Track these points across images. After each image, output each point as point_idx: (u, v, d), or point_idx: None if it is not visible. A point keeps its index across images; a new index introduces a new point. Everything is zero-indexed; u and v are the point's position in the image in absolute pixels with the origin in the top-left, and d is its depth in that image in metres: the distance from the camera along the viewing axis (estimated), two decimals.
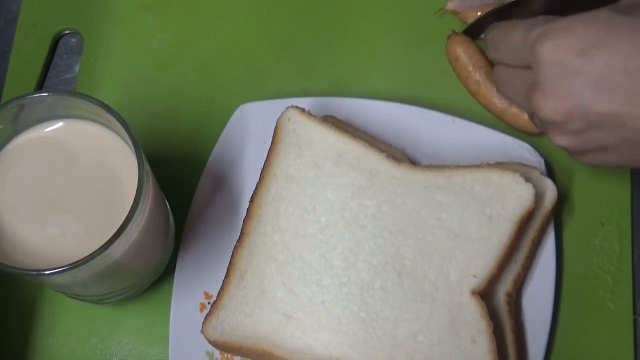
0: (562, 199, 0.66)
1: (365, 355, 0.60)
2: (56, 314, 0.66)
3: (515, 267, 0.62)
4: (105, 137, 0.57)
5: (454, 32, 0.69)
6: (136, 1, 0.75)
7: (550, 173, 0.67)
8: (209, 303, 0.65)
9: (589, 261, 0.66)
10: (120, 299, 0.65)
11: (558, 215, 0.66)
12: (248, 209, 0.64)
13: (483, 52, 0.68)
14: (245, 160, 0.68)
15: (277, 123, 0.65)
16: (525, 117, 0.66)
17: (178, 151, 0.70)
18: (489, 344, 0.59)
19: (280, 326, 0.61)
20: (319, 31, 0.73)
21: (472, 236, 0.61)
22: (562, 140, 0.57)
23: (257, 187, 0.65)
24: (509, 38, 0.59)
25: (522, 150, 0.66)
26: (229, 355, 0.64)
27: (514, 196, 0.61)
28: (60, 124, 0.58)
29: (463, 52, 0.68)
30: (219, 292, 0.63)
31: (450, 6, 0.72)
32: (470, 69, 0.68)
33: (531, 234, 0.63)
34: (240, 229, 0.64)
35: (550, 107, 0.55)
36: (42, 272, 0.51)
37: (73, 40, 0.75)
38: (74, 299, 0.65)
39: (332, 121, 0.65)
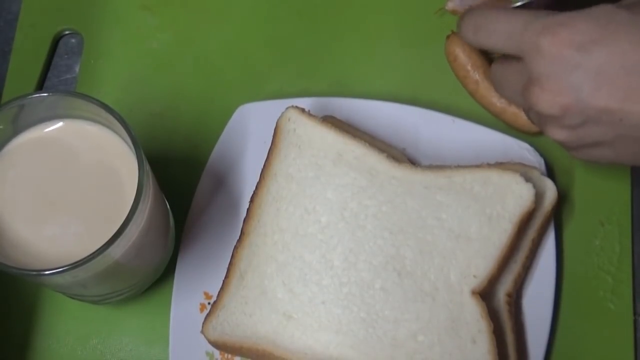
0: (562, 199, 0.66)
1: (365, 355, 0.60)
2: (56, 314, 0.66)
3: (515, 267, 0.62)
4: (105, 137, 0.57)
5: (452, 32, 0.70)
6: (136, 1, 0.74)
7: (550, 173, 0.67)
8: (209, 303, 0.65)
9: (589, 261, 0.66)
10: (120, 299, 0.65)
11: (558, 215, 0.66)
12: (248, 209, 0.64)
13: (481, 52, 0.68)
14: (245, 160, 0.68)
15: (277, 123, 0.65)
16: (524, 116, 0.66)
17: (178, 151, 0.70)
18: (489, 343, 0.59)
19: (280, 326, 0.61)
20: (319, 31, 0.73)
21: (472, 236, 0.61)
22: (558, 134, 0.57)
23: (257, 187, 0.65)
24: (499, 23, 0.58)
25: (521, 150, 0.66)
26: (229, 355, 0.64)
27: (513, 196, 0.61)
28: (60, 124, 0.58)
29: (461, 52, 0.68)
30: (219, 292, 0.63)
31: (450, 6, 0.72)
32: (469, 68, 0.68)
33: (531, 233, 0.63)
34: (240, 229, 0.64)
35: (547, 100, 0.55)
36: (42, 272, 0.51)
37: (73, 40, 0.75)
38: (74, 299, 0.65)
39: (331, 121, 0.65)
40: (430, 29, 0.72)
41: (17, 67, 0.72)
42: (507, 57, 0.60)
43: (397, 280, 0.61)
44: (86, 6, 0.74)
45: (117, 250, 0.54)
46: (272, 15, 0.74)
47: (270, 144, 0.65)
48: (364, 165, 0.63)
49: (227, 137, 0.68)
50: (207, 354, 0.64)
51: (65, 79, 0.74)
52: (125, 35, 0.74)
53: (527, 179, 0.61)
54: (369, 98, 0.69)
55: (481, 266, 0.60)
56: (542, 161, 0.66)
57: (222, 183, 0.67)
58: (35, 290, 0.67)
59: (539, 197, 0.62)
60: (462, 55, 0.68)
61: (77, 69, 0.73)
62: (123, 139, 0.57)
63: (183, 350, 0.64)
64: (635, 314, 0.66)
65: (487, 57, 0.69)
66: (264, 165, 0.65)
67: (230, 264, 0.63)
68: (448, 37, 0.69)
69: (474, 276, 0.60)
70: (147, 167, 0.54)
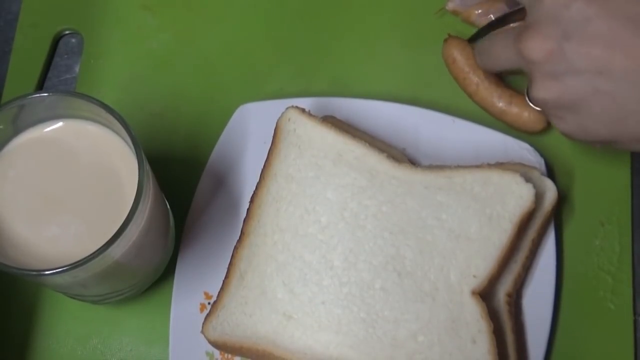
0: (562, 199, 0.66)
1: (365, 355, 0.60)
2: (56, 314, 0.66)
3: (515, 267, 0.62)
4: (105, 136, 0.57)
5: (449, 35, 0.70)
6: (136, 1, 0.74)
7: (550, 173, 0.67)
8: (209, 303, 0.65)
9: (589, 261, 0.66)
10: (120, 299, 0.65)
11: (558, 215, 0.66)
12: (248, 209, 0.64)
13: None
14: (245, 160, 0.68)
15: (277, 123, 0.65)
16: (526, 114, 0.66)
17: (178, 151, 0.70)
18: (488, 344, 0.59)
19: (280, 326, 0.61)
20: (319, 31, 0.73)
21: (472, 236, 0.61)
22: (542, 89, 0.58)
23: (257, 187, 0.65)
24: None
25: (522, 150, 0.66)
26: (229, 355, 0.64)
27: (514, 196, 0.61)
28: (60, 124, 0.58)
29: (459, 54, 0.68)
30: (219, 292, 0.63)
31: (450, 6, 0.72)
32: (467, 70, 0.68)
33: (531, 233, 0.63)
34: (240, 229, 0.64)
35: (535, 44, 0.57)
36: (42, 272, 0.51)
37: (73, 40, 0.75)
38: (74, 299, 0.65)
39: (331, 121, 0.65)
40: (431, 29, 0.72)
41: (17, 67, 0.73)
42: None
43: (397, 281, 0.61)
44: (86, 6, 0.74)
45: (117, 250, 0.54)
46: (272, 15, 0.74)
47: (270, 144, 0.65)
48: (364, 166, 0.63)
49: (227, 137, 0.68)
50: (207, 353, 0.64)
51: (65, 79, 0.74)
52: (125, 35, 0.74)
53: (527, 179, 0.61)
54: (369, 98, 0.69)
55: (481, 266, 0.60)
56: (542, 161, 0.66)
57: (222, 183, 0.67)
58: (36, 290, 0.67)
59: (539, 197, 0.62)
60: (460, 58, 0.68)
61: (77, 69, 0.73)
62: (123, 139, 0.57)
63: (183, 350, 0.64)
64: (635, 314, 0.66)
65: None
66: (264, 166, 0.65)
67: (230, 264, 0.63)
68: (445, 40, 0.69)
69: (474, 276, 0.60)
70: (147, 167, 0.54)
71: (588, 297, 0.66)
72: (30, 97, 0.55)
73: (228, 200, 0.67)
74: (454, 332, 0.60)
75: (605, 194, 0.68)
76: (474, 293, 0.60)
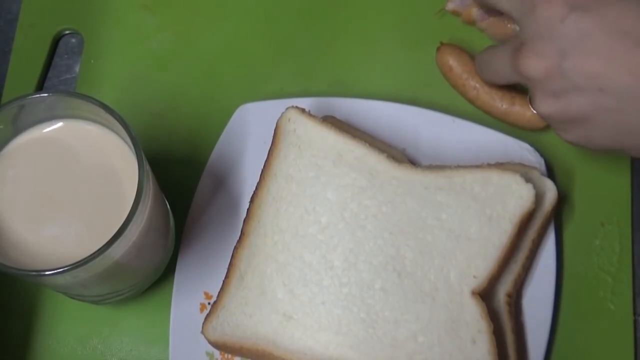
0: (562, 199, 0.66)
1: (365, 355, 0.60)
2: (56, 314, 0.66)
3: (515, 267, 0.62)
4: (105, 137, 0.57)
5: (441, 43, 0.69)
6: (136, 1, 0.74)
7: (551, 173, 0.67)
8: (209, 303, 0.65)
9: (589, 261, 0.66)
10: (120, 299, 0.65)
11: (558, 216, 0.66)
12: (248, 209, 0.64)
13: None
14: (245, 160, 0.67)
15: (277, 123, 0.65)
16: (529, 113, 0.66)
17: (178, 151, 0.70)
18: (488, 344, 0.59)
19: (280, 326, 0.61)
20: (319, 31, 0.73)
21: (472, 236, 0.61)
22: (544, 104, 0.58)
23: (257, 187, 0.65)
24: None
25: (522, 151, 0.66)
26: (229, 356, 0.64)
27: (514, 196, 0.61)
28: (60, 124, 0.58)
29: (455, 62, 0.68)
30: (219, 292, 0.63)
31: (450, 6, 0.72)
32: (465, 76, 0.68)
33: (531, 234, 0.63)
34: (240, 229, 0.64)
35: (533, 62, 0.56)
36: (42, 273, 0.51)
37: (73, 40, 0.75)
38: (74, 299, 0.65)
39: (332, 121, 0.65)
40: (431, 29, 0.72)
41: (17, 67, 0.72)
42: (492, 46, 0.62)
43: (397, 281, 0.61)
44: (86, 6, 0.74)
45: (118, 251, 0.54)
46: (272, 15, 0.74)
47: (270, 144, 0.65)
48: (364, 166, 0.63)
49: (227, 137, 0.68)
50: (207, 354, 0.64)
51: (65, 78, 0.73)
52: (125, 35, 0.74)
53: (528, 180, 0.61)
54: (369, 98, 0.69)
55: (481, 266, 0.60)
56: (542, 161, 0.66)
57: (222, 183, 0.67)
58: (36, 290, 0.67)
59: (539, 197, 0.62)
60: (457, 65, 0.68)
61: (77, 69, 0.73)
62: (123, 139, 0.57)
63: (183, 350, 0.64)
64: (635, 314, 0.66)
65: None
66: (264, 166, 0.65)
67: (230, 264, 0.63)
68: (438, 49, 0.69)
69: (474, 276, 0.60)
70: (147, 167, 0.54)
71: (588, 297, 0.66)
72: (30, 97, 0.55)
73: (228, 200, 0.67)
74: (454, 333, 0.60)
75: (605, 194, 0.68)
76: (474, 293, 0.60)
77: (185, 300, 0.65)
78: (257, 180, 0.65)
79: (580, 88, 0.55)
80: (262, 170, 0.65)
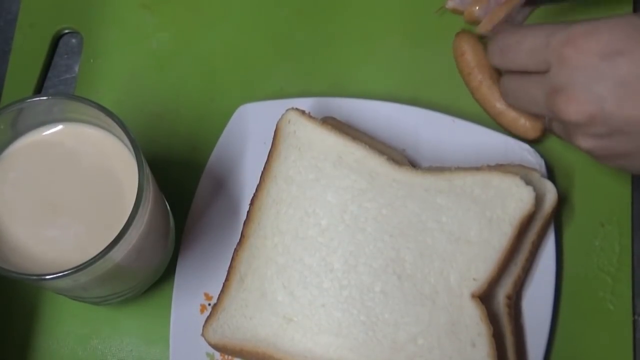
0: (562, 200, 0.66)
1: (365, 358, 0.60)
2: (56, 315, 0.66)
3: (515, 269, 0.62)
4: (105, 139, 0.57)
5: (462, 30, 0.70)
6: (135, 0, 0.74)
7: (551, 174, 0.67)
8: (209, 304, 0.65)
9: (589, 262, 0.66)
10: (120, 300, 0.65)
11: (558, 217, 0.66)
12: (248, 211, 0.64)
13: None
14: (245, 161, 0.67)
15: (277, 125, 0.65)
16: (522, 121, 0.66)
17: (178, 152, 0.70)
18: (488, 347, 0.59)
19: (280, 329, 0.61)
20: (319, 31, 0.73)
21: (472, 239, 0.61)
22: (585, 142, 0.58)
23: (257, 189, 0.64)
24: (523, 42, 0.59)
25: (522, 152, 0.66)
26: (229, 357, 0.64)
27: (514, 199, 0.61)
28: (59, 127, 0.58)
29: (470, 49, 0.68)
30: (219, 294, 0.63)
31: (450, 5, 0.72)
32: (473, 65, 0.68)
33: (531, 235, 0.63)
34: (240, 231, 0.64)
35: (572, 110, 0.55)
36: (43, 277, 0.51)
37: (73, 40, 0.74)
38: (74, 300, 0.65)
39: (331, 122, 0.65)
40: (431, 28, 0.72)
41: (16, 67, 0.72)
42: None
43: (397, 283, 0.61)
44: (85, 5, 0.74)
45: (118, 254, 0.54)
46: (272, 15, 0.74)
47: (270, 145, 0.65)
48: (364, 168, 0.63)
49: (227, 137, 0.68)
50: (208, 354, 0.64)
51: (65, 78, 0.73)
52: (125, 35, 0.73)
53: (528, 182, 0.61)
54: (369, 98, 0.69)
55: (481, 269, 0.60)
56: (542, 162, 0.66)
57: (222, 185, 0.67)
58: (36, 291, 0.67)
59: (539, 199, 0.62)
60: (470, 52, 0.68)
61: (76, 68, 0.73)
62: (123, 142, 0.57)
63: (183, 351, 0.64)
64: (634, 314, 0.66)
65: None
66: (264, 168, 0.65)
67: (231, 266, 0.63)
68: (457, 33, 0.69)
69: (474, 279, 0.60)
70: (147, 170, 0.54)
71: (588, 297, 0.66)
72: (29, 100, 0.55)
73: (228, 201, 0.67)
74: (454, 335, 0.60)
75: (605, 195, 0.68)
76: (473, 296, 0.60)
77: (186, 301, 0.65)
78: (257, 181, 0.65)
79: (622, 131, 0.55)
80: (262, 172, 0.65)
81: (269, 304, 0.62)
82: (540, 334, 0.63)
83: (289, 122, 0.64)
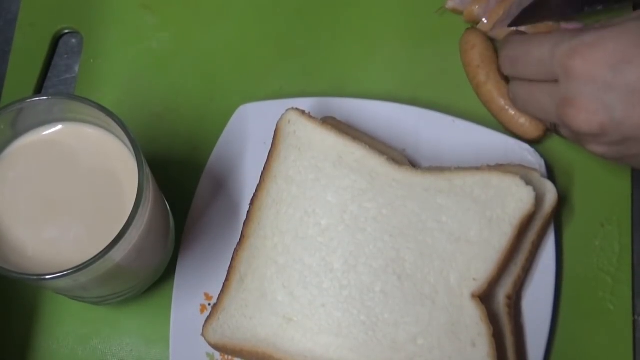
0: (562, 200, 0.66)
1: (365, 357, 0.60)
2: (56, 315, 0.66)
3: (515, 269, 0.62)
4: (105, 139, 0.57)
5: (473, 27, 0.70)
6: (135, 0, 0.74)
7: (550, 174, 0.67)
8: (209, 304, 0.65)
9: (589, 262, 0.66)
10: (120, 300, 0.65)
11: (558, 217, 0.66)
12: (248, 211, 0.64)
13: (497, 51, 0.68)
14: (245, 161, 0.67)
15: (277, 125, 0.65)
16: (522, 120, 0.66)
17: (178, 152, 0.70)
18: (488, 347, 0.59)
19: (280, 329, 0.61)
20: (319, 31, 0.73)
21: (472, 239, 0.61)
22: (598, 149, 0.58)
23: (257, 189, 0.64)
24: (531, 52, 0.59)
25: (522, 152, 0.66)
26: (229, 357, 0.64)
27: (514, 199, 0.61)
28: (59, 127, 0.58)
29: (481, 43, 0.68)
30: (219, 294, 0.63)
31: (450, 4, 0.72)
32: (481, 59, 0.68)
33: (531, 236, 0.63)
34: (239, 229, 0.64)
35: (583, 120, 0.56)
36: (43, 277, 0.51)
37: (73, 40, 0.74)
38: (74, 300, 0.65)
39: (332, 122, 0.65)
40: (431, 28, 0.72)
41: (16, 67, 0.72)
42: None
43: (397, 284, 0.61)
44: (85, 5, 0.74)
45: (118, 254, 0.54)
46: (272, 15, 0.74)
47: (270, 145, 0.65)
48: (365, 168, 0.63)
49: (227, 137, 0.68)
50: (208, 354, 0.64)
51: (65, 78, 0.73)
52: (125, 35, 0.73)
53: (528, 182, 0.61)
54: (369, 98, 0.69)
55: (481, 269, 0.60)
56: (542, 162, 0.66)
57: (222, 184, 0.67)
58: (36, 291, 0.67)
59: (539, 199, 0.62)
60: (481, 46, 0.68)
61: (76, 68, 0.73)
62: (122, 141, 0.57)
63: (183, 351, 0.64)
64: (634, 314, 0.66)
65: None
66: (264, 168, 0.65)
67: (231, 266, 0.63)
68: (468, 28, 0.69)
69: (474, 279, 0.60)
70: (147, 170, 0.54)
71: (588, 297, 0.66)
72: (28, 100, 0.55)
73: (228, 201, 0.67)
74: (454, 335, 0.60)
75: (605, 195, 0.68)
76: (473, 296, 0.60)
77: (186, 301, 0.65)
78: (257, 181, 0.65)
79: (634, 137, 0.55)
80: (262, 172, 0.65)
81: (269, 304, 0.62)
82: (540, 334, 0.63)
83: (289, 122, 0.64)
